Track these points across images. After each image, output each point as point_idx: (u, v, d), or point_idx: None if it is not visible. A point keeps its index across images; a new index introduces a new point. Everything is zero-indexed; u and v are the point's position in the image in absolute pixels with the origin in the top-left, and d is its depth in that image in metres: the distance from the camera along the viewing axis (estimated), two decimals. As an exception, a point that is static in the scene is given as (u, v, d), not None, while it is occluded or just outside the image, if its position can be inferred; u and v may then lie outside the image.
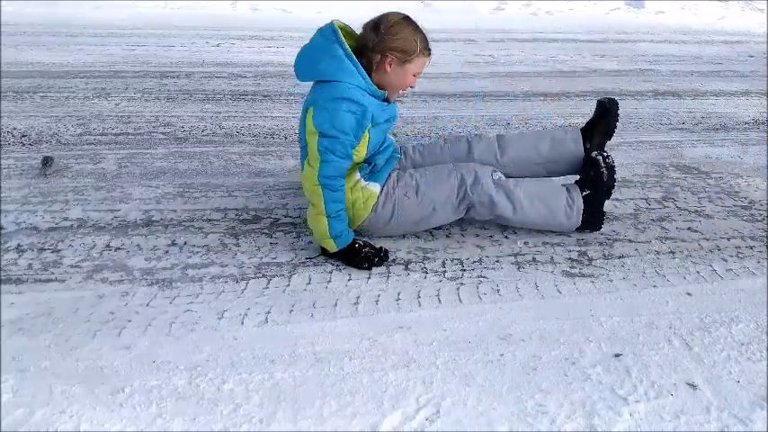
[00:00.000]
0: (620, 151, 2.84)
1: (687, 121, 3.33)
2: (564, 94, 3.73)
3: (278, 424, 1.24)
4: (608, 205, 2.28)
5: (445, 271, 1.81)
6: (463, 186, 1.85)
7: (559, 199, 1.92)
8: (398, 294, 1.69)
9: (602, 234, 2.07)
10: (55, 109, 3.05)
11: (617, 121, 2.01)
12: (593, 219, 1.98)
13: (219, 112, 3.10)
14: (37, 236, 1.89)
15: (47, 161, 2.36)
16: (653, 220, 2.19)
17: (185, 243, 1.89)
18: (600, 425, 1.27)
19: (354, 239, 1.81)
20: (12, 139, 2.65)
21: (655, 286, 1.78)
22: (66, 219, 2.01)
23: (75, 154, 2.52)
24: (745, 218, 2.23)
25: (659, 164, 2.70)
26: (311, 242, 1.91)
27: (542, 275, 1.82)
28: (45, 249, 1.83)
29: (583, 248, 1.98)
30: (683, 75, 4.30)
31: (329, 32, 1.74)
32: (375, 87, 1.75)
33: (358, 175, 1.83)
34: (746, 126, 3.29)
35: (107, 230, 1.94)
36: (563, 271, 1.85)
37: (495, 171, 1.91)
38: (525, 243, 1.99)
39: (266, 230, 1.99)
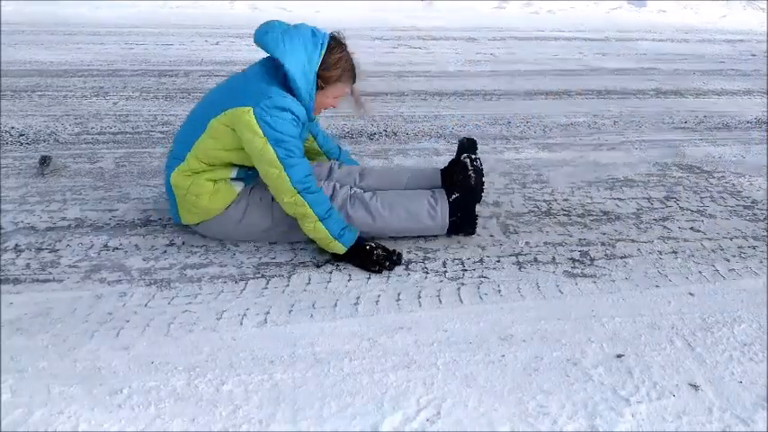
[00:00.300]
0: (623, 150, 2.83)
1: (689, 120, 3.32)
2: (565, 92, 3.71)
3: (277, 425, 1.23)
4: (609, 204, 2.28)
5: (446, 271, 1.80)
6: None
7: (420, 202, 1.89)
8: (399, 295, 1.68)
9: (604, 234, 2.06)
10: (53, 108, 3.04)
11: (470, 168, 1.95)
12: (466, 222, 1.94)
13: (219, 111, 3.08)
14: (35, 236, 1.89)
15: (44, 160, 2.35)
16: (655, 219, 2.18)
17: (183, 243, 1.88)
18: (602, 425, 1.27)
19: (365, 241, 1.78)
20: (9, 139, 2.64)
21: (657, 286, 1.77)
22: (63, 218, 2.00)
23: (73, 153, 2.51)
24: (747, 217, 2.22)
25: (661, 163, 2.69)
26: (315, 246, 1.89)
27: (544, 276, 1.80)
28: (43, 249, 1.82)
29: (585, 248, 1.97)
30: (685, 73, 4.29)
31: (322, 41, 1.73)
32: (312, 106, 1.77)
33: (234, 173, 1.80)
34: (749, 125, 3.27)
35: (105, 230, 1.93)
36: (565, 271, 1.84)
37: (351, 188, 1.91)
38: (527, 243, 1.98)
39: (266, 230, 1.98)
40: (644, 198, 2.34)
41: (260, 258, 1.82)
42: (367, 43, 4.75)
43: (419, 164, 2.57)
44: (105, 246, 1.85)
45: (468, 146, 2.01)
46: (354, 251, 1.76)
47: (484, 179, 1.94)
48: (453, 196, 1.91)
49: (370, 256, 1.76)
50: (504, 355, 1.46)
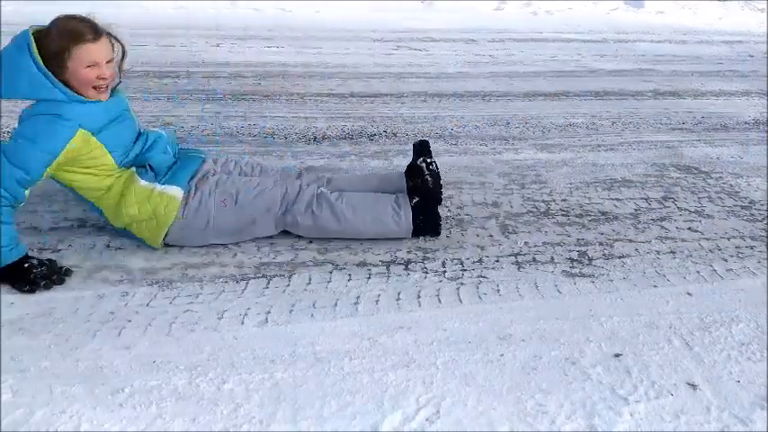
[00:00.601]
0: (621, 151, 2.84)
1: (687, 120, 3.33)
2: (563, 93, 3.73)
3: (278, 424, 1.24)
4: (608, 204, 2.29)
5: (445, 271, 1.81)
6: (286, 199, 1.85)
7: (385, 206, 1.91)
8: (398, 294, 1.69)
9: (602, 234, 2.07)
10: (55, 109, 3.05)
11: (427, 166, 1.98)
12: (429, 224, 1.95)
13: (219, 112, 3.10)
14: (37, 236, 1.89)
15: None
16: (653, 219, 2.19)
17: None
18: (600, 425, 1.27)
19: (28, 258, 1.63)
20: (12, 139, 2.64)
21: (655, 286, 1.78)
22: (66, 219, 2.00)
23: (75, 154, 2.51)
24: (745, 218, 2.23)
25: (659, 164, 2.70)
26: (310, 239, 1.90)
27: (542, 275, 1.81)
28: (45, 249, 1.82)
29: (583, 248, 1.98)
30: (683, 74, 4.30)
31: (22, 43, 1.62)
32: (74, 93, 1.65)
33: (143, 182, 1.74)
34: (746, 126, 3.29)
35: (107, 230, 1.93)
36: (563, 271, 1.84)
37: (319, 187, 1.92)
38: (525, 243, 1.99)
39: (266, 230, 1.99)
40: (642, 198, 2.36)
41: (261, 258, 1.83)
42: (367, 45, 4.76)
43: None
44: (107, 246, 1.86)
45: (421, 149, 2.03)
46: (7, 268, 1.60)
47: (441, 181, 1.96)
48: (414, 200, 1.94)
49: (27, 273, 1.61)
50: (502, 355, 1.46)
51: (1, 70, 1.62)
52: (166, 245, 1.82)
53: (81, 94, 1.67)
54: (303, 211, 1.85)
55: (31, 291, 1.60)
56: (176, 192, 1.77)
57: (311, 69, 3.95)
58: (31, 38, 1.62)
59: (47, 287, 1.62)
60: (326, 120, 3.06)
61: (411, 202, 1.93)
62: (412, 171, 1.99)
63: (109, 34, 1.70)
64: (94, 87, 1.68)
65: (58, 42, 1.62)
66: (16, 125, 1.68)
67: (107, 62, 1.68)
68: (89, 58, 1.64)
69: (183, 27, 5.06)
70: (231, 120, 3.01)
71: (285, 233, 1.98)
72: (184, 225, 1.78)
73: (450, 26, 5.65)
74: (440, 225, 1.98)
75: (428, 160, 1.98)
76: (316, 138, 2.84)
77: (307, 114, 3.14)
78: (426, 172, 1.95)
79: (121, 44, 1.76)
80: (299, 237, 1.95)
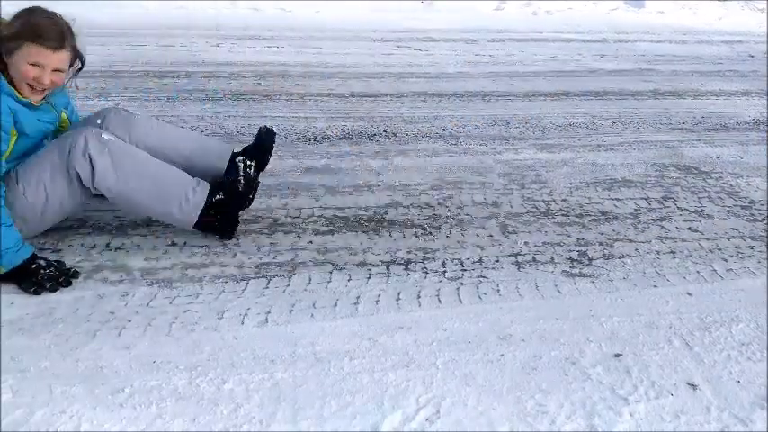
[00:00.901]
0: (621, 151, 2.84)
1: (687, 120, 3.33)
2: (563, 93, 3.73)
3: (278, 424, 1.24)
4: (608, 204, 2.29)
5: (445, 271, 1.81)
6: (68, 152, 1.65)
7: (178, 186, 1.72)
8: (398, 294, 1.69)
9: (602, 234, 2.07)
10: (55, 109, 3.05)
11: (269, 153, 1.91)
12: (224, 226, 1.83)
13: (219, 112, 3.10)
14: (38, 236, 1.89)
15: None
16: (653, 219, 2.19)
17: (185, 243, 1.89)
18: (600, 425, 1.27)
19: (36, 258, 1.59)
20: (12, 139, 2.64)
21: (655, 286, 1.78)
22: (66, 219, 2.00)
23: (75, 154, 2.51)
24: (745, 218, 2.23)
25: (659, 164, 2.70)
26: (311, 239, 1.90)
27: (542, 275, 1.81)
28: (45, 249, 1.82)
29: (583, 248, 1.98)
30: (683, 74, 4.30)
31: None
32: (15, 91, 1.61)
33: None
34: (746, 126, 3.29)
35: (107, 230, 1.94)
36: (563, 271, 1.85)
37: (107, 132, 1.71)
38: (525, 243, 1.99)
39: (266, 230, 1.99)
40: (642, 198, 2.36)
41: (261, 258, 1.83)
42: (367, 45, 4.76)
43: (418, 164, 2.58)
44: (107, 246, 1.86)
45: (265, 137, 1.89)
46: (15, 270, 1.56)
47: (254, 187, 1.81)
48: (217, 197, 1.77)
49: (34, 274, 1.57)
50: (502, 355, 1.46)
51: None
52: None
53: (14, 85, 1.62)
54: (83, 160, 1.63)
55: (37, 293, 1.59)
56: None
57: (311, 69, 3.95)
58: None
59: (53, 289, 1.60)
60: (326, 120, 3.06)
61: (213, 196, 1.76)
62: (229, 165, 1.85)
63: (73, 47, 1.68)
64: (29, 85, 1.63)
65: (18, 30, 1.59)
66: None
67: (54, 70, 1.64)
68: (37, 60, 1.61)
69: (183, 27, 5.06)
70: (231, 120, 3.01)
71: (284, 232, 1.98)
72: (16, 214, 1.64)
73: (450, 26, 5.65)
74: (235, 230, 1.84)
75: (248, 162, 1.82)
76: (316, 138, 2.84)
77: (307, 114, 3.14)
78: (242, 174, 1.80)
79: (81, 60, 1.75)
80: (299, 236, 1.95)
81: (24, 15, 1.64)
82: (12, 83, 1.63)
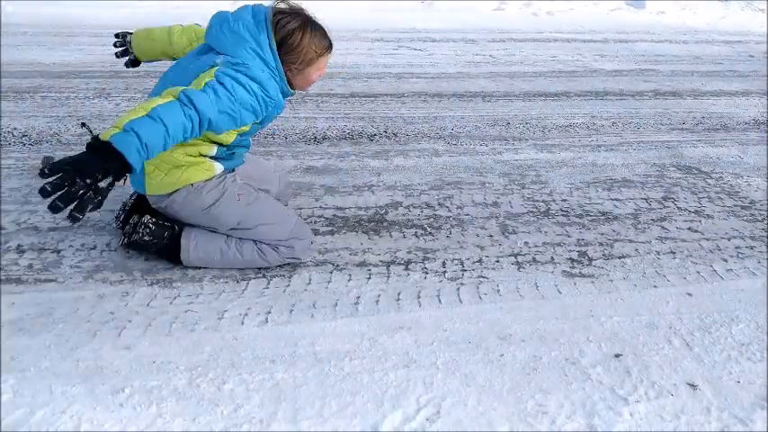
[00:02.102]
0: (621, 151, 2.84)
1: (687, 121, 3.33)
2: (564, 94, 3.73)
3: (278, 424, 1.24)
4: (608, 205, 2.29)
5: (445, 271, 1.81)
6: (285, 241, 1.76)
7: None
8: (399, 294, 1.69)
9: (602, 234, 2.07)
10: (55, 109, 3.05)
11: None
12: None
13: (220, 113, 3.09)
14: (37, 236, 1.89)
15: (48, 161, 2.36)
16: (653, 220, 2.19)
17: (185, 243, 1.89)
18: (600, 425, 1.27)
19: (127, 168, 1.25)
20: (12, 139, 2.65)
21: (655, 286, 1.78)
22: (66, 219, 2.00)
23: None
24: (745, 218, 2.23)
25: (659, 164, 2.70)
26: (311, 239, 1.90)
27: (542, 275, 1.81)
28: (45, 249, 1.83)
29: (583, 249, 1.98)
30: (683, 75, 4.30)
31: (261, 20, 1.59)
32: (287, 87, 1.67)
33: (213, 152, 1.69)
34: (747, 126, 3.29)
35: (107, 230, 1.94)
36: (563, 271, 1.85)
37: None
38: (525, 243, 1.99)
39: (266, 230, 1.99)
40: (642, 199, 2.36)
41: (261, 259, 1.83)
42: (367, 45, 4.76)
43: (418, 164, 2.58)
44: (108, 246, 1.86)
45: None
46: (99, 155, 1.22)
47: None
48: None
49: (91, 176, 1.19)
50: (502, 355, 1.47)
51: (231, 30, 1.57)
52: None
53: (292, 86, 1.70)
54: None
55: (54, 209, 1.18)
56: (219, 169, 1.72)
57: (311, 69, 3.95)
58: (270, 20, 1.58)
59: (71, 219, 1.21)
60: (326, 120, 3.06)
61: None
62: None
63: None
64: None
65: (305, 52, 1.63)
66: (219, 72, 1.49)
67: None
68: (323, 66, 1.70)
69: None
70: (231, 120, 3.00)
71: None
72: (192, 195, 1.69)
73: (450, 26, 5.65)
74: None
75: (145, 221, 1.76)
76: (316, 138, 2.84)
77: (307, 114, 3.14)
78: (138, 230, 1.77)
79: None
80: (300, 237, 1.95)
81: (317, 31, 1.64)
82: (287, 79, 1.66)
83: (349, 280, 1.75)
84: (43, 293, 1.62)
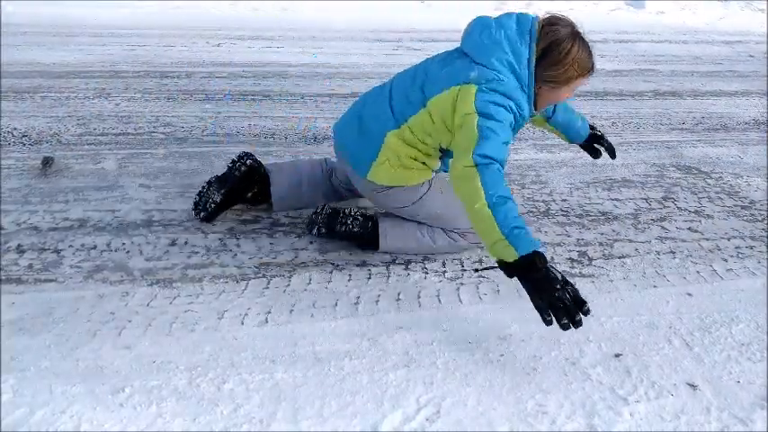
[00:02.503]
0: (621, 151, 2.84)
1: (687, 121, 3.33)
2: (564, 94, 3.72)
3: (278, 424, 1.24)
4: (608, 205, 2.29)
5: (445, 271, 1.81)
6: None
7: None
8: (398, 294, 1.69)
9: (602, 234, 2.07)
10: (55, 109, 3.05)
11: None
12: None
13: (219, 112, 3.10)
14: (37, 236, 1.89)
15: (47, 161, 2.36)
16: (653, 219, 2.19)
17: (186, 243, 1.89)
18: (600, 425, 1.27)
19: (547, 263, 1.37)
20: (12, 139, 2.65)
21: (655, 286, 1.78)
22: (66, 219, 2.01)
23: (76, 154, 2.52)
24: (745, 218, 2.23)
25: (659, 164, 2.70)
26: (311, 240, 1.90)
27: (542, 275, 1.81)
28: (45, 249, 1.83)
29: (583, 248, 1.98)
30: (683, 75, 4.30)
31: (526, 30, 1.54)
32: (532, 107, 1.61)
33: (438, 166, 1.77)
34: (746, 126, 3.29)
35: (107, 230, 1.94)
36: (563, 271, 1.84)
37: None
38: (525, 243, 1.99)
39: (266, 230, 1.99)
40: (642, 198, 2.36)
41: (261, 258, 1.83)
42: (367, 45, 4.76)
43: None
44: (108, 246, 1.86)
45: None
46: (530, 267, 1.35)
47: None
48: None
49: (552, 290, 1.33)
50: (503, 355, 1.47)
51: (490, 38, 1.55)
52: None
53: (535, 105, 1.64)
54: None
55: (548, 322, 1.35)
56: (434, 170, 1.80)
57: (311, 69, 3.95)
58: (536, 33, 1.54)
59: (564, 327, 1.34)
60: (326, 120, 3.06)
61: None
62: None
63: None
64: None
65: (567, 69, 1.56)
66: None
67: None
68: (577, 86, 1.64)
69: (183, 27, 5.06)
70: (231, 120, 3.01)
71: (284, 232, 1.98)
72: (410, 189, 1.77)
73: (451, 26, 5.64)
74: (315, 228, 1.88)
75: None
76: (316, 138, 2.84)
77: (307, 114, 3.14)
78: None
79: None
80: (299, 236, 1.96)
81: (585, 48, 1.58)
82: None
83: (349, 280, 1.75)
84: (43, 293, 1.62)
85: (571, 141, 2.09)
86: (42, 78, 3.54)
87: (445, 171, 1.80)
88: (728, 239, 2.08)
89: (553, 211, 2.22)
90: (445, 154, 1.76)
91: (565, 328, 1.33)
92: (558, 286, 1.34)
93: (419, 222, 1.85)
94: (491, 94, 1.51)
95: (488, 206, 1.38)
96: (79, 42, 4.44)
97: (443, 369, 1.41)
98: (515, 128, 1.60)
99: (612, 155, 2.10)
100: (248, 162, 1.98)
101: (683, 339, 1.55)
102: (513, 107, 1.53)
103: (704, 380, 1.41)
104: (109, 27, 5.00)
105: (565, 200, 2.31)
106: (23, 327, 1.49)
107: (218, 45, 4.56)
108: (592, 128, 2.09)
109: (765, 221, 2.22)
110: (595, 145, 2.11)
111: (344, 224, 1.86)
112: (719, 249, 2.01)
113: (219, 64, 4.04)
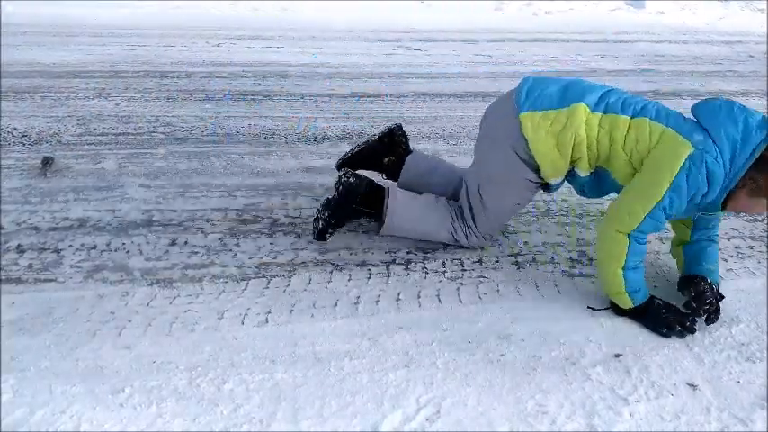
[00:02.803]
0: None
1: (687, 121, 3.33)
2: (564, 94, 3.72)
3: (278, 424, 1.24)
4: (607, 204, 2.28)
5: (445, 271, 1.82)
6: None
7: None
8: (398, 294, 1.69)
9: (602, 234, 2.07)
10: (55, 109, 3.05)
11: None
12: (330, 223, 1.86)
13: (219, 112, 3.10)
14: (37, 236, 1.89)
15: (47, 161, 2.36)
16: (653, 220, 2.19)
17: (185, 243, 1.89)
18: (600, 425, 1.27)
19: (654, 299, 1.60)
20: (12, 140, 2.65)
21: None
22: (66, 219, 2.01)
23: (76, 154, 2.52)
24: (744, 218, 2.23)
25: (659, 164, 2.69)
26: (311, 239, 1.90)
27: (542, 275, 1.82)
28: (45, 249, 1.83)
29: (583, 248, 1.98)
30: (683, 75, 4.30)
31: (766, 128, 1.47)
32: (720, 199, 1.55)
33: (560, 179, 1.77)
34: (747, 126, 3.28)
35: (107, 230, 1.94)
36: (563, 271, 1.85)
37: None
38: (525, 243, 1.99)
39: (266, 230, 1.99)
40: (642, 199, 2.35)
41: (261, 258, 1.83)
42: (367, 45, 4.76)
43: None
44: (107, 246, 1.86)
45: (391, 136, 2.15)
46: (642, 309, 1.59)
47: (350, 198, 1.83)
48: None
49: (658, 314, 1.57)
50: (502, 355, 1.47)
51: (729, 113, 1.50)
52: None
53: (724, 203, 1.57)
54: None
55: (666, 335, 1.54)
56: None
57: (311, 69, 3.95)
58: None
59: (680, 334, 1.55)
60: (326, 120, 3.06)
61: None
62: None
63: None
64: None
65: None
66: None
67: None
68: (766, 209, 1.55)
69: (182, 27, 5.06)
70: (231, 120, 3.01)
71: (284, 232, 1.98)
72: (517, 174, 1.76)
73: (450, 26, 5.65)
74: (326, 232, 1.86)
75: (347, 171, 1.88)
76: (316, 138, 2.84)
77: (307, 114, 3.14)
78: (341, 180, 1.86)
79: None
80: (299, 236, 1.96)
81: None
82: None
83: (349, 280, 1.75)
84: (43, 293, 1.62)
85: (685, 272, 1.76)
86: (42, 78, 3.54)
87: (556, 186, 1.79)
88: (728, 239, 2.08)
89: (553, 211, 2.22)
90: (572, 178, 1.77)
91: (680, 335, 1.56)
92: (663, 311, 1.59)
93: (436, 198, 1.90)
94: (698, 166, 1.46)
95: (623, 269, 1.57)
96: (79, 42, 4.44)
97: (443, 369, 1.41)
98: (687, 210, 1.56)
99: (707, 319, 1.64)
100: (398, 132, 2.15)
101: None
102: (702, 187, 1.48)
103: (704, 380, 1.41)
104: (109, 27, 5.00)
105: (565, 200, 2.31)
106: (23, 327, 1.49)
107: (218, 45, 4.56)
108: (719, 292, 1.71)
109: (765, 221, 2.22)
110: (694, 303, 1.63)
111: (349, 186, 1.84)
112: (719, 249, 2.01)
113: (219, 64, 4.04)
